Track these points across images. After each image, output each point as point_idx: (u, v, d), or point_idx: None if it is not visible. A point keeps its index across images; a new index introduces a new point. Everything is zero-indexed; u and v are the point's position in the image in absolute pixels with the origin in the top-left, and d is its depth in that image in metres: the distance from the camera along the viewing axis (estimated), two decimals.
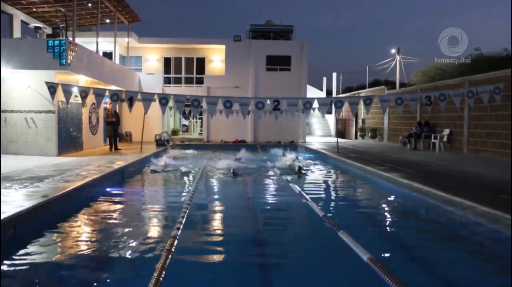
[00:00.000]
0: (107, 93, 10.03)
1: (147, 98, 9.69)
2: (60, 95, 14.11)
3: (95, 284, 4.46)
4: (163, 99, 9.61)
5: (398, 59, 36.23)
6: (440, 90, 11.49)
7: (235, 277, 4.69)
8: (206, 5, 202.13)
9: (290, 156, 15.43)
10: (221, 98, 9.79)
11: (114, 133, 17.55)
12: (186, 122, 32.26)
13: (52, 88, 9.65)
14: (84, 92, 9.88)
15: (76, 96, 15.74)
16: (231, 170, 11.64)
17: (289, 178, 10.95)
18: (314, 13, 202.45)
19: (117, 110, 18.03)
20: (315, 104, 10.65)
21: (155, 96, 9.67)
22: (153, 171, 12.40)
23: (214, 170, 12.70)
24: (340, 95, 36.72)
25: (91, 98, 16.87)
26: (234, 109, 11.96)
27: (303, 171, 12.37)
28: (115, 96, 9.67)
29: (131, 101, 9.92)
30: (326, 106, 10.39)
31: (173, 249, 4.60)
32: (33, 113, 14.57)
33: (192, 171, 12.88)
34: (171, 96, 9.89)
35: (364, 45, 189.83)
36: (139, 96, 9.87)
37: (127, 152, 16.45)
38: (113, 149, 17.22)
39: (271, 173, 12.59)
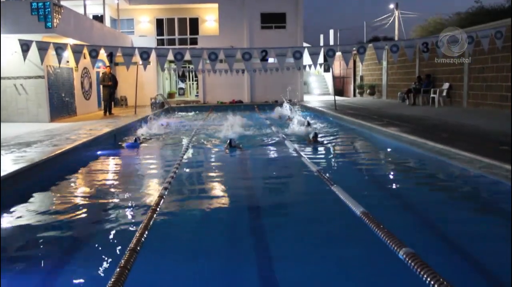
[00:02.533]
0: (85, 50, 9.53)
1: (128, 53, 9.33)
2: (49, 59, 13.76)
3: (77, 245, 4.33)
4: (144, 54, 9.25)
5: (397, 15, 35.45)
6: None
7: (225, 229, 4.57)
8: None
9: (299, 119, 13.67)
10: (205, 49, 9.38)
11: (110, 97, 17.26)
12: (182, 85, 31.83)
13: (25, 45, 9.28)
14: (60, 49, 9.50)
15: (67, 61, 15.42)
16: (227, 142, 9.32)
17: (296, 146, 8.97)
18: None
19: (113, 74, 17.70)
20: (306, 56, 10.21)
21: (136, 51, 9.31)
22: (130, 146, 10.00)
23: (206, 142, 10.61)
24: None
25: (83, 63, 16.57)
26: (226, 68, 11.44)
27: (319, 139, 10.06)
28: (94, 52, 9.30)
29: (111, 57, 9.55)
30: (317, 55, 9.98)
31: (158, 209, 4.45)
32: (22, 79, 14.23)
33: (178, 144, 10.66)
34: (153, 50, 9.50)
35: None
36: (119, 51, 9.50)
37: (121, 116, 16.22)
38: (107, 113, 16.96)
39: (276, 141, 10.45)
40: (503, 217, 4.90)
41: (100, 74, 18.34)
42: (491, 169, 6.13)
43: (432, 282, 2.60)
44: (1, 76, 14.11)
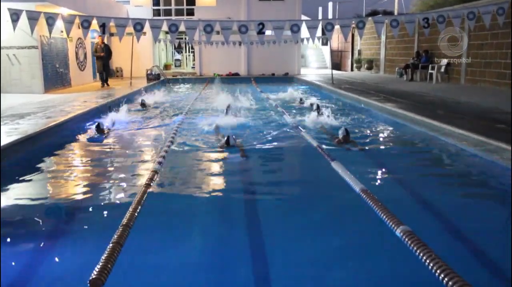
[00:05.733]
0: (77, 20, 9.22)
1: (121, 24, 9.11)
2: (42, 29, 13.46)
3: (70, 220, 4.30)
4: (138, 25, 9.04)
5: None
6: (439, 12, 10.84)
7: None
8: None
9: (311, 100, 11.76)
10: (200, 21, 9.16)
11: (103, 69, 17.01)
12: (179, 56, 31.48)
13: (15, 15, 9.05)
14: (51, 19, 9.24)
15: (61, 31, 15.09)
16: (224, 138, 6.93)
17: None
18: None
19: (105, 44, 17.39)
20: (304, 29, 9.96)
21: (130, 22, 9.09)
22: (92, 139, 7.76)
23: (191, 138, 7.89)
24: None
25: (77, 33, 16.27)
26: (222, 40, 11.09)
27: (351, 140, 7.07)
28: (86, 23, 9.09)
29: (104, 28, 9.30)
30: (315, 29, 9.77)
31: (152, 184, 4.41)
32: (15, 49, 13.96)
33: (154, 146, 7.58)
34: (146, 21, 9.27)
35: None
36: (112, 22, 9.28)
37: (116, 87, 16.04)
38: (104, 85, 16.78)
39: (286, 135, 7.99)
40: (497, 196, 4.90)
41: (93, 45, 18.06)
42: (485, 146, 6.10)
43: (428, 261, 2.58)
44: None
